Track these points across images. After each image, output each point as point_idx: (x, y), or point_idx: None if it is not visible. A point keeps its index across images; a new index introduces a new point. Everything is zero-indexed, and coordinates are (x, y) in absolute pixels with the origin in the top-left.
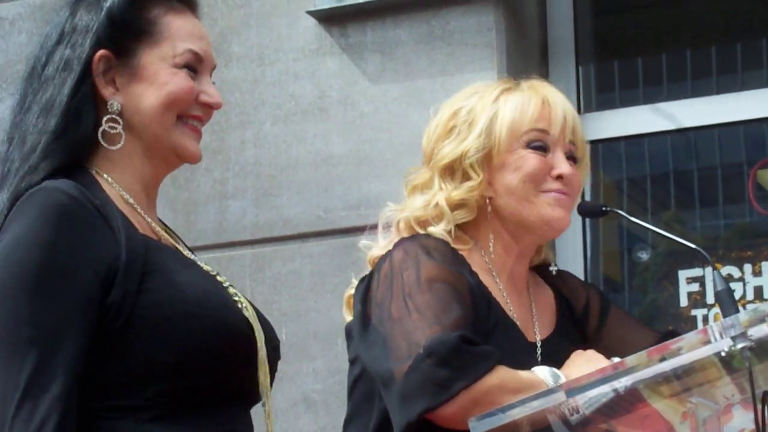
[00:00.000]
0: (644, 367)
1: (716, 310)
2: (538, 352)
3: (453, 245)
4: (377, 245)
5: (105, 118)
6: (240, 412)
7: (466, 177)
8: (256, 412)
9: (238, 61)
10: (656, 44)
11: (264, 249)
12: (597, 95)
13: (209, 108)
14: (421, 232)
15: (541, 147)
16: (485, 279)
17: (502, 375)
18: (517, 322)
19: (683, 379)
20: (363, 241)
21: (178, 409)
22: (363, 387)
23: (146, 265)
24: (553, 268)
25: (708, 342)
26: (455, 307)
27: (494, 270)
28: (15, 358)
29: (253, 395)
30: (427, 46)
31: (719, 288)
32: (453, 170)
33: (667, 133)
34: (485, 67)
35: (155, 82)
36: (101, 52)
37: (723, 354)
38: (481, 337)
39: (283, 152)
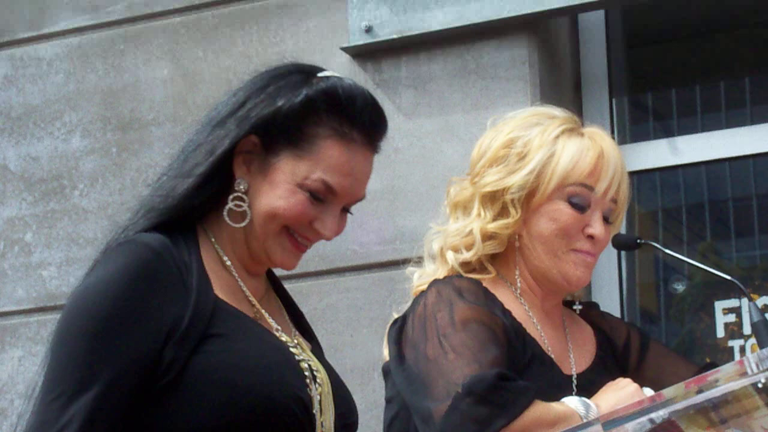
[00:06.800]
0: (681, 398)
1: (753, 340)
2: (574, 384)
3: (484, 284)
4: (423, 272)
5: (231, 196)
6: None
7: (504, 210)
8: None
9: None
10: (689, 76)
11: (300, 284)
12: (631, 127)
13: (319, 236)
14: (452, 258)
15: (580, 205)
16: (519, 314)
17: (539, 410)
18: (552, 356)
19: (720, 411)
20: (409, 267)
21: None
22: (399, 426)
23: (210, 328)
24: (577, 307)
25: (745, 374)
26: (491, 346)
27: (526, 304)
28: (60, 397)
29: None
30: (461, 81)
31: (755, 319)
32: (494, 199)
33: (701, 164)
34: (519, 101)
35: (274, 190)
36: (253, 138)
37: (759, 385)
38: (516, 373)
39: None
